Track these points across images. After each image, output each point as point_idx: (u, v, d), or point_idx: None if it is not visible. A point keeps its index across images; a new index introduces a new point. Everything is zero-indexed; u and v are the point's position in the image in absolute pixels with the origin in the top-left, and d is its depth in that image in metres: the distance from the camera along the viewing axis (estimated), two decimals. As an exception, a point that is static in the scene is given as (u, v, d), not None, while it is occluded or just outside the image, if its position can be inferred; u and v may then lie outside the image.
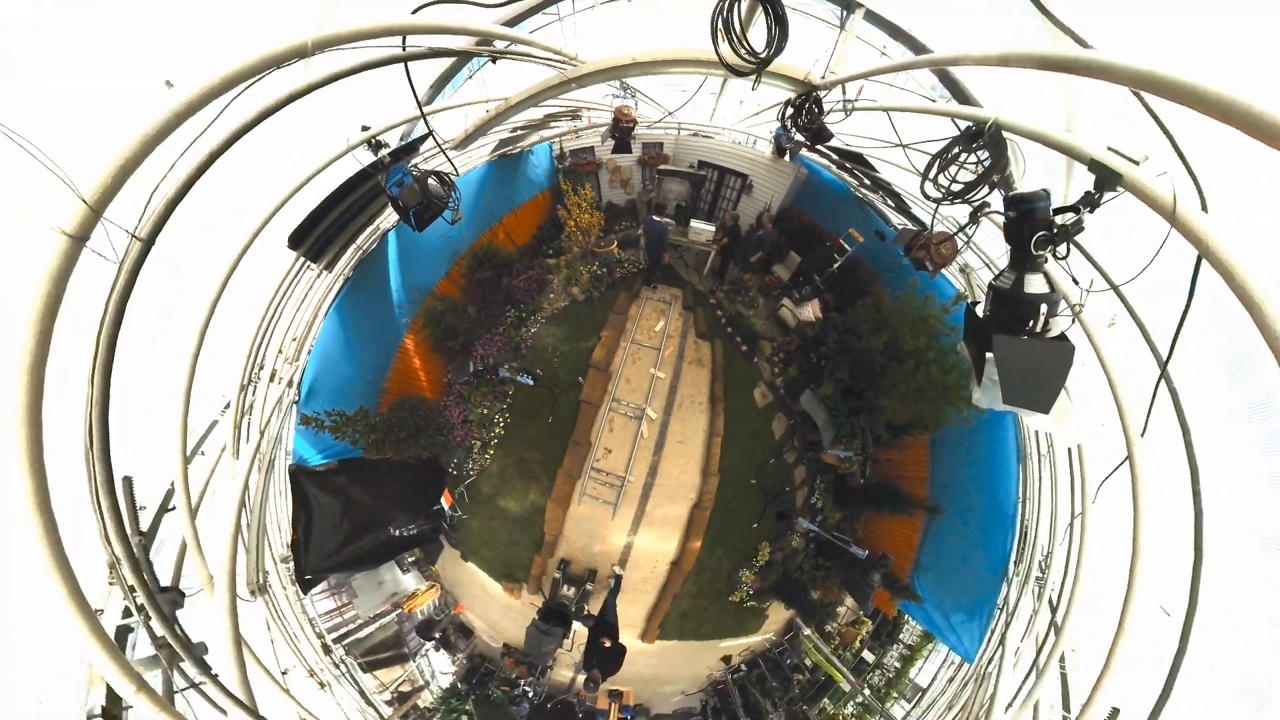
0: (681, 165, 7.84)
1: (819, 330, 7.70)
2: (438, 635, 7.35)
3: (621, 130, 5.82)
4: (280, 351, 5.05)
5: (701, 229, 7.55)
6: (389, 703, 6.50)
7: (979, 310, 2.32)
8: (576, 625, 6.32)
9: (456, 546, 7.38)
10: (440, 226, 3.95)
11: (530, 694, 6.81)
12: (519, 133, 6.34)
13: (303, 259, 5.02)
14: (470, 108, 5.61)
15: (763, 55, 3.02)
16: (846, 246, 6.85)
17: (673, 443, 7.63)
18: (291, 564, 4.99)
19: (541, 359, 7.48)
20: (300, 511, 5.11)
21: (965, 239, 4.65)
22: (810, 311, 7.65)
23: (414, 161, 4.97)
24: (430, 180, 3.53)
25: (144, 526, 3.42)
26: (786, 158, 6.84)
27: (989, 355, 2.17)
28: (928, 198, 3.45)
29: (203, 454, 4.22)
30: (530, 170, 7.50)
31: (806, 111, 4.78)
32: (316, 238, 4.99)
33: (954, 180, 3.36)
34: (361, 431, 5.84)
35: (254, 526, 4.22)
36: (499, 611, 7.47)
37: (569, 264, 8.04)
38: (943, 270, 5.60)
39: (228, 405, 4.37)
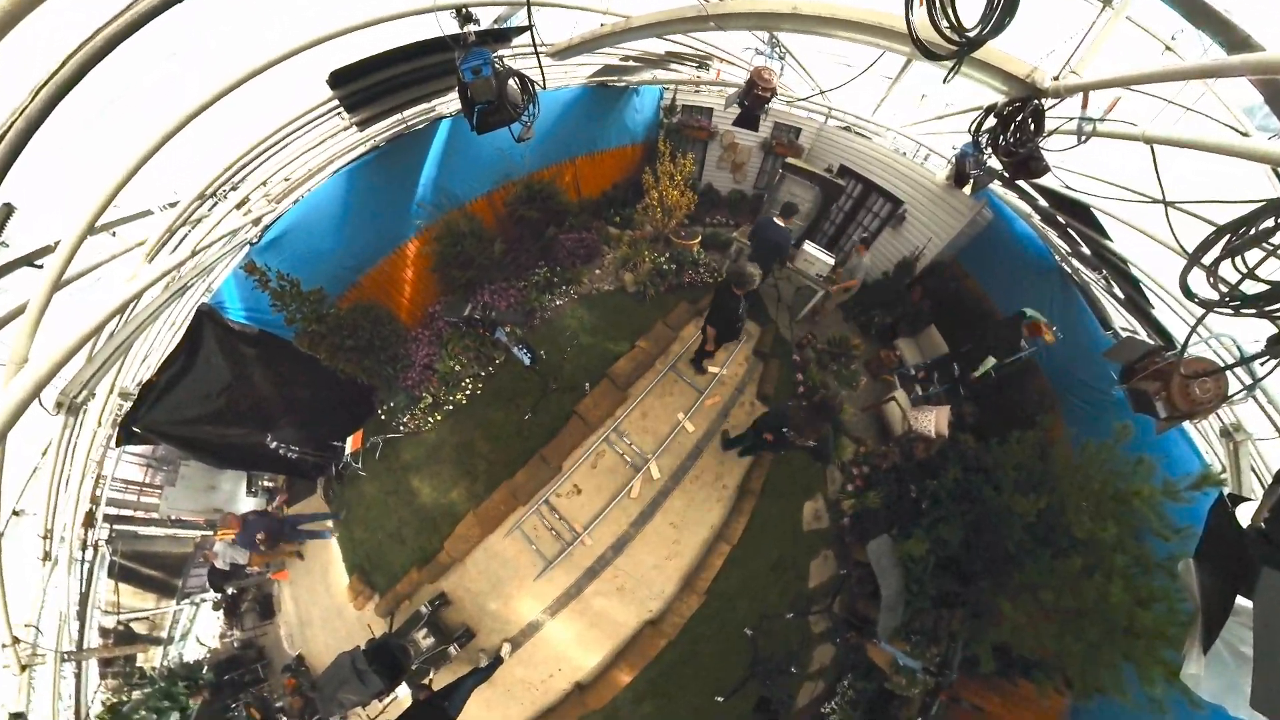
0: (816, 165, 7.12)
1: (936, 454, 6.01)
2: (230, 592, 6.78)
3: (755, 99, 5.38)
4: (264, 184, 5.23)
5: (816, 257, 6.62)
6: (105, 631, 5.85)
7: (1243, 515, 1.74)
8: (404, 691, 5.20)
9: (330, 502, 6.83)
10: (502, 138, 3.86)
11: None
12: (630, 64, 6.31)
13: (337, 103, 5.34)
14: (583, 15, 5.72)
15: (972, 33, 2.52)
16: (1024, 343, 5.27)
17: (664, 522, 6.39)
18: (128, 405, 4.79)
19: (553, 340, 7.01)
20: (181, 355, 4.97)
21: (1248, 382, 3.17)
22: (934, 422, 6.04)
23: (500, 53, 5.11)
24: (511, 81, 3.45)
25: (-10, 264, 3.48)
26: (967, 189, 5.70)
27: (1242, 604, 1.55)
28: (1191, 296, 2.47)
29: (113, 235, 4.40)
30: (629, 114, 7.43)
31: (1017, 126, 3.94)
32: (362, 88, 5.25)
33: (1250, 274, 2.30)
34: (306, 314, 5.71)
35: (117, 340, 4.20)
36: (324, 611, 6.68)
37: (633, 243, 7.62)
38: (1186, 422, 3.88)
39: (173, 204, 4.55)
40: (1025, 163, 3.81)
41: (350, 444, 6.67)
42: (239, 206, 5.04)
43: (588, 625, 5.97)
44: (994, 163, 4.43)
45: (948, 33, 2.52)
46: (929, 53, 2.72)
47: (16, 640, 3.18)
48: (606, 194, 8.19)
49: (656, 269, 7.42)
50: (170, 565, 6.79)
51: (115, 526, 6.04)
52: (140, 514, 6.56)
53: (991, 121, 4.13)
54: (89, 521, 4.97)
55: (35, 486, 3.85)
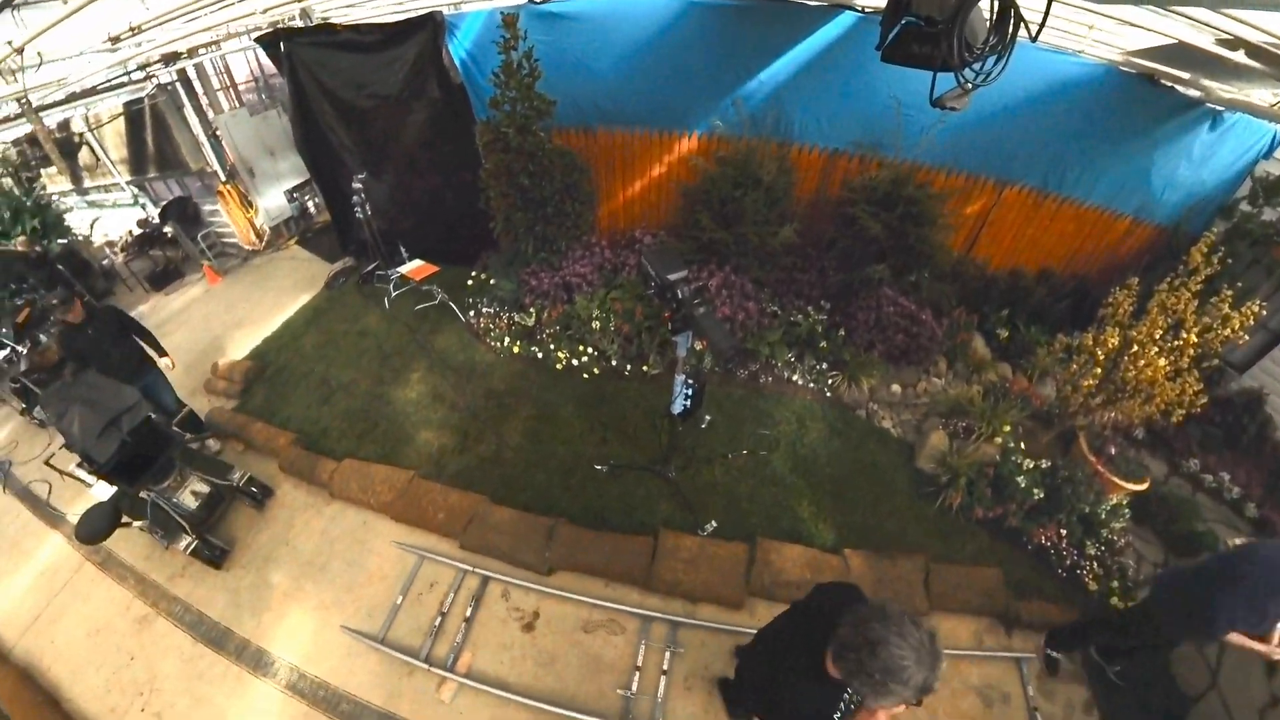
0: None
1: None
2: (165, 231, 8.43)
3: None
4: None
5: None
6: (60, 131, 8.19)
7: None
8: (102, 490, 5.11)
9: (331, 285, 7.70)
10: (912, 86, 3.81)
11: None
12: (1238, 59, 4.28)
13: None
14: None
15: None
16: None
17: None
18: (297, 24, 5.86)
19: (739, 419, 5.91)
20: (379, 35, 5.76)
21: None
22: None
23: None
24: (987, 4, 2.89)
25: None
26: None
27: None
28: None
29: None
30: (1170, 158, 5.84)
31: None
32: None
33: None
34: (515, 113, 5.80)
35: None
36: (188, 345, 7.55)
37: (998, 393, 5.60)
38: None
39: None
40: None
41: (412, 268, 6.81)
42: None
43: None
44: None
45: None
46: None
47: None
48: (1019, 278, 6.53)
49: (1004, 470, 5.17)
50: (167, 156, 8.48)
51: (178, 85, 7.62)
52: (202, 98, 8.15)
53: None
54: (170, 58, 6.13)
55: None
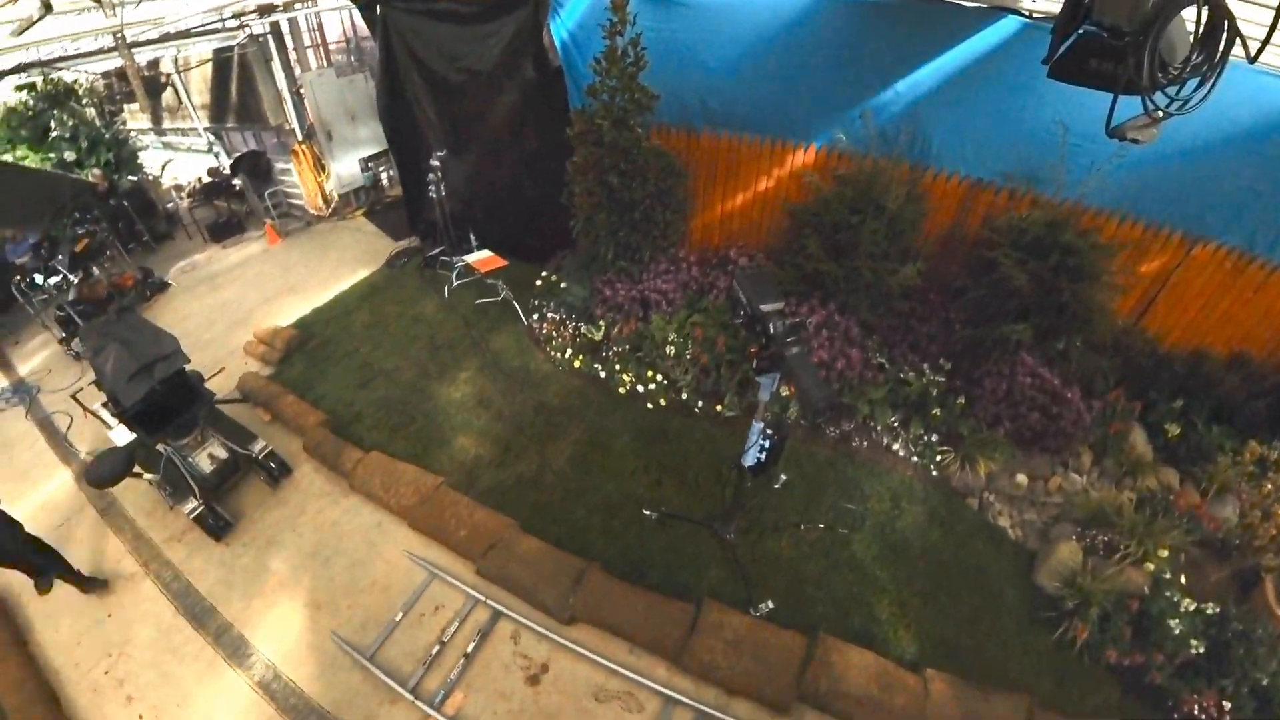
0: None
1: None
2: (236, 183, 9.08)
3: None
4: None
5: None
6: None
7: None
8: (122, 435, 5.24)
9: (392, 264, 8.29)
10: (1086, 109, 3.76)
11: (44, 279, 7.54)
12: None
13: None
14: None
15: None
16: None
17: None
18: None
19: (820, 483, 5.63)
20: (478, 8, 5.94)
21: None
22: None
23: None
24: (1201, 11, 2.66)
25: None
26: None
27: None
28: None
29: None
30: None
31: None
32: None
33: None
34: (613, 104, 5.74)
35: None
36: (232, 305, 8.11)
37: (1157, 505, 4.96)
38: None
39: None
40: None
41: (479, 258, 6.91)
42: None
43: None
44: None
45: None
46: None
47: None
48: (1202, 362, 5.83)
49: (1153, 606, 4.55)
50: (248, 108, 9.28)
51: (269, 37, 8.33)
52: (291, 53, 8.83)
53: None
54: (265, 10, 6.73)
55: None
